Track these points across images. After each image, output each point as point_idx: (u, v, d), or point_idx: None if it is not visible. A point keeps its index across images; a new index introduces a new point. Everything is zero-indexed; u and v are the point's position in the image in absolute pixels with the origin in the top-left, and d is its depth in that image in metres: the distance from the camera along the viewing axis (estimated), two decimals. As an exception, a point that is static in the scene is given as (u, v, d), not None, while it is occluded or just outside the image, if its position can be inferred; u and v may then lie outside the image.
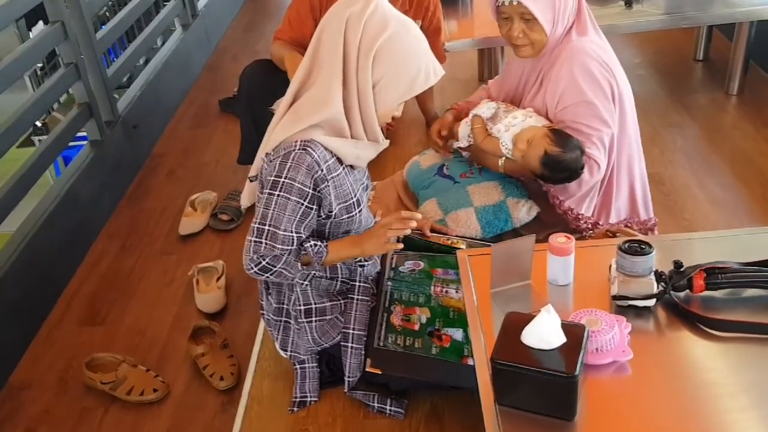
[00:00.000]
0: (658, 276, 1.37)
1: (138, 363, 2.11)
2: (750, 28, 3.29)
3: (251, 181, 1.87)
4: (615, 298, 1.38)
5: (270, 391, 1.95)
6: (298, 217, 1.69)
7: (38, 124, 3.89)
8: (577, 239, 1.44)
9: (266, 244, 1.68)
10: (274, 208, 1.68)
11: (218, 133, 3.59)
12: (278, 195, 1.68)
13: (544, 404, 1.16)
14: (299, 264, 1.75)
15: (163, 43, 4.18)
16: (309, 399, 1.91)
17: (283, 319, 1.92)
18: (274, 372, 2.01)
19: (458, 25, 3.24)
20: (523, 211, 2.19)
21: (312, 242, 1.74)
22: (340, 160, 1.74)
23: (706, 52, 3.83)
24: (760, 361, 1.24)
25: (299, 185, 1.67)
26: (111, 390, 2.05)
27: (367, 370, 1.80)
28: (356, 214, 1.81)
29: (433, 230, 2.14)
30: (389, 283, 1.92)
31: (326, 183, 1.71)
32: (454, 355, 1.75)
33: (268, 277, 1.73)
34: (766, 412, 1.14)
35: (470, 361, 1.70)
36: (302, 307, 1.85)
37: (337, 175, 1.73)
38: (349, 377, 1.86)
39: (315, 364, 1.93)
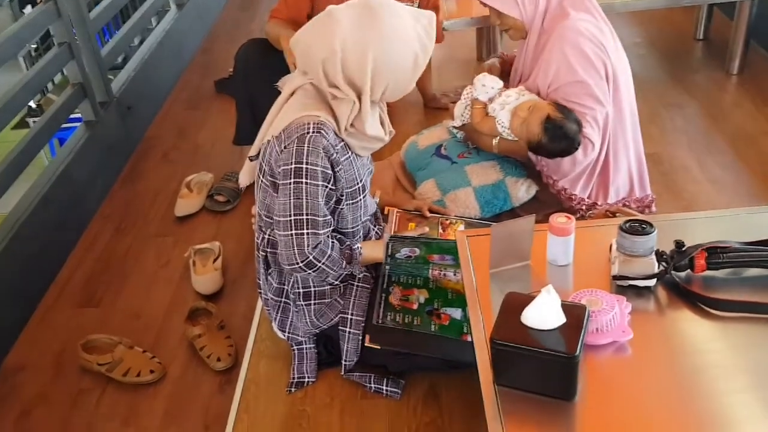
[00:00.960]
0: (659, 256, 1.35)
1: (134, 344, 2.10)
2: (751, 6, 3.26)
3: (251, 160, 1.85)
4: (615, 278, 1.36)
5: (267, 372, 1.94)
6: (325, 201, 1.68)
7: (33, 105, 3.86)
8: (577, 219, 1.42)
9: (308, 234, 1.66)
10: (307, 196, 1.65)
11: (213, 114, 3.56)
12: (306, 183, 1.64)
13: (543, 384, 1.15)
14: (343, 261, 1.74)
15: (158, 23, 4.14)
16: (306, 380, 1.90)
17: (283, 300, 1.90)
18: (272, 353, 1.99)
19: (456, 3, 3.21)
20: (522, 190, 2.18)
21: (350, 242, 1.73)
22: (347, 146, 1.73)
23: (707, 31, 3.80)
24: (760, 342, 1.23)
25: (322, 169, 1.65)
26: (107, 371, 2.04)
27: (365, 345, 1.79)
28: (361, 199, 1.80)
29: (431, 211, 2.13)
30: (387, 267, 1.90)
31: (339, 166, 1.69)
32: (453, 332, 1.74)
33: (310, 274, 1.71)
34: (763, 393, 1.13)
35: (469, 338, 1.70)
36: (301, 290, 1.84)
37: (346, 159, 1.71)
38: (346, 361, 1.85)
39: (313, 345, 1.91)
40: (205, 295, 2.32)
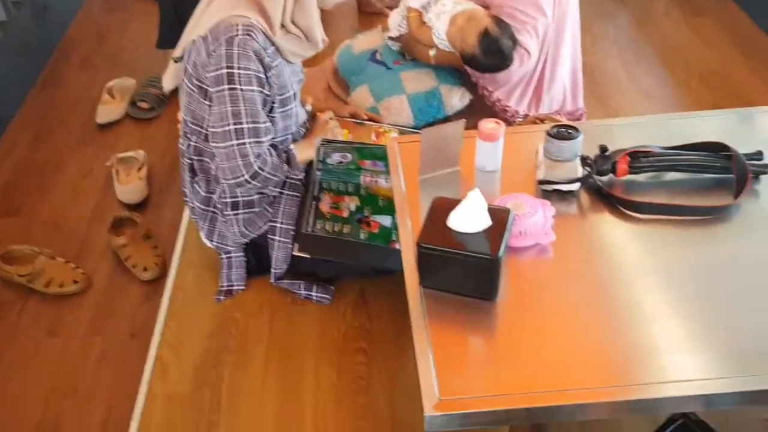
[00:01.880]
0: (584, 160, 1.37)
1: (56, 255, 2.04)
2: None
3: (176, 62, 1.76)
4: (541, 182, 1.38)
5: (195, 281, 1.93)
6: (263, 106, 1.62)
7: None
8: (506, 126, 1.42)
9: (251, 143, 1.60)
10: (245, 103, 1.58)
11: (136, 16, 3.37)
12: (241, 89, 1.57)
13: (467, 286, 1.17)
14: (283, 165, 1.70)
15: None
16: (235, 288, 1.89)
17: (211, 209, 1.86)
18: (200, 262, 1.97)
19: None
20: (456, 99, 2.17)
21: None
22: (278, 51, 1.66)
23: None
24: (674, 243, 1.27)
25: (255, 73, 1.58)
26: (28, 282, 1.99)
27: (294, 254, 1.78)
28: (292, 107, 1.75)
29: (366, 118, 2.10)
30: (318, 173, 1.88)
31: (271, 71, 1.63)
32: (382, 240, 1.75)
33: (255, 185, 1.66)
34: (675, 293, 1.18)
35: (398, 246, 1.71)
36: (229, 200, 1.80)
37: (277, 65, 1.65)
38: (275, 269, 1.85)
39: (241, 254, 1.90)
40: (130, 204, 2.26)
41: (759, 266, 1.21)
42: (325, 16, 3.00)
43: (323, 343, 1.77)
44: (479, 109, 2.19)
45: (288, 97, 1.72)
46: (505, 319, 1.15)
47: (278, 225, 1.82)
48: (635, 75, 2.78)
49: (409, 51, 2.24)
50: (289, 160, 1.76)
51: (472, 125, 1.44)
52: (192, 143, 1.79)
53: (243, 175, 1.62)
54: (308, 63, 2.52)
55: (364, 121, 2.09)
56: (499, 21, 1.95)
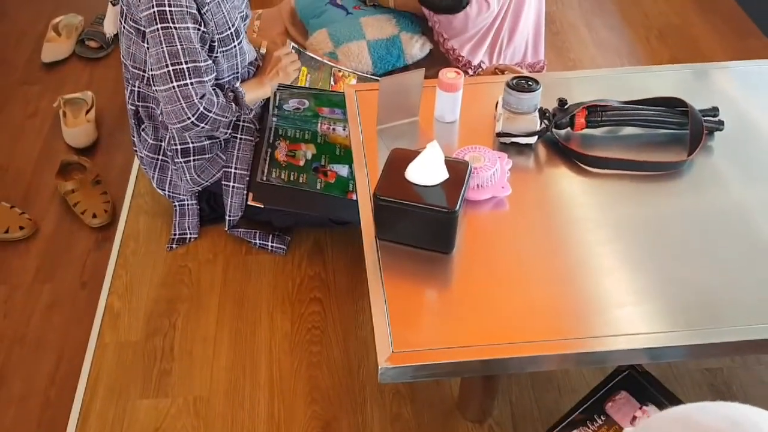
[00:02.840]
0: (542, 113, 1.37)
1: (1, 200, 1.97)
2: None
3: (113, 5, 1.68)
4: (499, 135, 1.37)
5: (147, 228, 1.88)
6: (202, 44, 1.56)
7: None
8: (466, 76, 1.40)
9: (193, 83, 1.54)
10: (181, 42, 1.52)
11: (82, -51, 3.21)
12: (175, 27, 1.51)
13: (423, 238, 1.17)
14: (232, 104, 1.64)
15: None
16: (188, 236, 1.86)
17: (160, 157, 1.81)
18: (152, 209, 1.93)
19: None
20: (417, 47, 2.14)
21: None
22: None
23: None
24: (628, 197, 1.28)
25: (188, 9, 1.51)
26: (-29, 228, 1.92)
27: (249, 203, 1.75)
28: (235, 45, 1.68)
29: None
30: (274, 119, 1.83)
31: (206, 7, 1.56)
32: (338, 190, 1.73)
33: (203, 128, 1.60)
34: (627, 246, 1.19)
35: (354, 196, 1.69)
36: (179, 147, 1.74)
37: (212, 1, 1.58)
38: (230, 217, 1.81)
39: (195, 202, 1.86)
40: (78, 148, 2.18)
41: (709, 222, 1.23)
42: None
43: (278, 293, 1.76)
44: (439, 58, 2.16)
45: (229, 35, 1.65)
46: (460, 272, 1.16)
47: (232, 170, 1.78)
48: (595, 27, 2.77)
49: (369, -7, 2.19)
50: (236, 98, 1.70)
51: (432, 75, 1.42)
52: (135, 88, 1.72)
53: (189, 118, 1.57)
54: (266, 3, 2.45)
55: (324, 60, 2.04)
56: None
